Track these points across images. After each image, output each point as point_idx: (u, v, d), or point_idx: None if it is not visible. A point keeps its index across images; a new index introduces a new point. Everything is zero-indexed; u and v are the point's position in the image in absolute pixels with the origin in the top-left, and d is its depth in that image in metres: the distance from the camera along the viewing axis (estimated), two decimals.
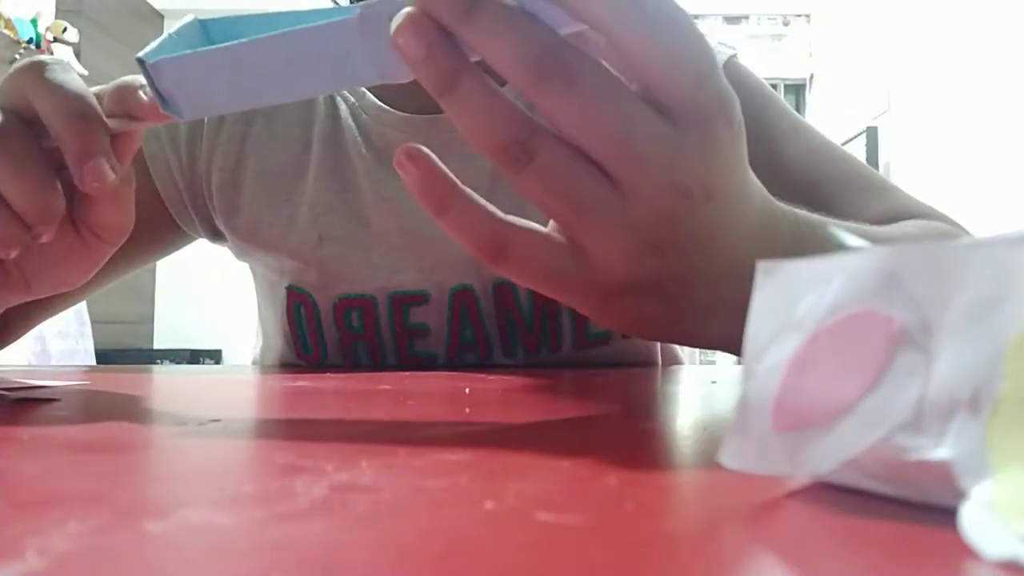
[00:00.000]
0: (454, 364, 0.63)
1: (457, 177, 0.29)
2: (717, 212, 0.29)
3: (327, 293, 0.63)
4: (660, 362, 0.68)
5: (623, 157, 0.27)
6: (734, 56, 0.65)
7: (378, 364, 0.64)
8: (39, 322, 0.68)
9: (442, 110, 0.28)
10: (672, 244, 0.29)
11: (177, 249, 0.72)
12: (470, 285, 0.62)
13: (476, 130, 0.27)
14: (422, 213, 0.30)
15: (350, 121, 0.64)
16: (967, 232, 0.57)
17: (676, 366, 0.72)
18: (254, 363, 0.76)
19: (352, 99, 0.65)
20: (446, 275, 0.62)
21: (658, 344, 0.67)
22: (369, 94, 0.64)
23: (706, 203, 0.29)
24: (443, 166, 0.29)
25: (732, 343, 0.38)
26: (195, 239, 0.71)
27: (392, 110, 0.63)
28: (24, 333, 0.66)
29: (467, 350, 0.63)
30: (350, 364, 0.64)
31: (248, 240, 0.66)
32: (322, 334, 0.64)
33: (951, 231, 0.55)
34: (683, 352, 0.78)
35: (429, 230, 0.60)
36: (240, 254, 0.69)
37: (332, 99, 0.65)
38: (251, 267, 0.70)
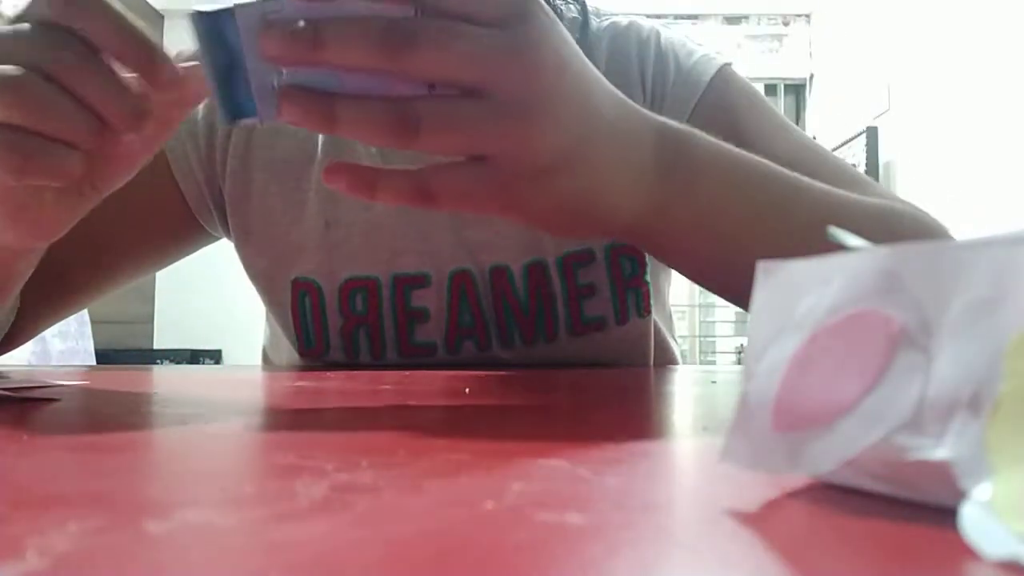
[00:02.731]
0: (452, 355, 0.64)
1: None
2: (578, 75, 0.36)
3: (334, 277, 0.65)
4: (652, 351, 0.68)
5: (479, 68, 0.32)
6: (727, 65, 0.68)
7: (378, 355, 0.65)
8: (48, 326, 0.68)
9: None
10: (554, 119, 0.34)
11: (197, 249, 0.73)
12: (468, 268, 0.64)
13: (370, 131, 0.33)
14: None
15: None
16: (941, 226, 0.56)
17: (674, 366, 0.72)
18: (264, 352, 0.77)
19: None
20: (444, 259, 0.64)
21: (651, 334, 0.68)
22: None
23: (564, 72, 0.35)
24: (360, 164, 0.37)
25: (650, 217, 0.41)
26: (215, 239, 0.72)
27: None
28: (33, 336, 0.66)
29: (465, 336, 0.65)
30: (351, 354, 0.65)
31: (258, 231, 0.67)
32: (326, 321, 0.65)
33: (911, 214, 0.55)
34: (680, 352, 0.78)
35: (428, 215, 0.63)
36: (246, 247, 0.68)
37: None
38: (255, 272, 0.69)
